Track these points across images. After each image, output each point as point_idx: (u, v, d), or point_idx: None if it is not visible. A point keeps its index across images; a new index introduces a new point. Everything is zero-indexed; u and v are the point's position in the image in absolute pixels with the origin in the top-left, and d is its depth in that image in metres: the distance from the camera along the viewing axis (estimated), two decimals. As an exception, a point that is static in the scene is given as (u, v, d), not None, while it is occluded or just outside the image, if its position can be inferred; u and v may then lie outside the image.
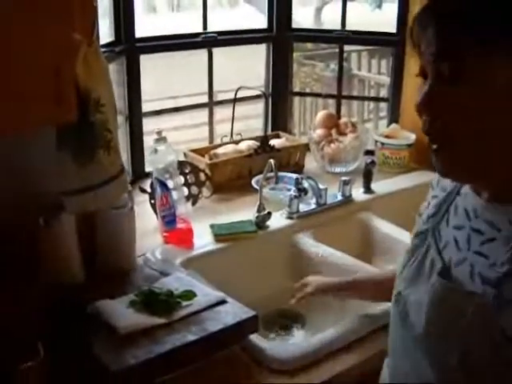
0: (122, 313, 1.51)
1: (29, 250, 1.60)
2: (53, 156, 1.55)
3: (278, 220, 2.14)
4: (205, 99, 2.76)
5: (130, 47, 2.41)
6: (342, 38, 2.85)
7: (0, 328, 1.27)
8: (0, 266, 1.50)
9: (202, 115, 2.97)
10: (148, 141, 2.41)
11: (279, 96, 2.90)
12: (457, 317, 0.98)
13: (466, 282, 1.00)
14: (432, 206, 1.16)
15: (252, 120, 2.99)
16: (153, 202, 2.10)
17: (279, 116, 2.90)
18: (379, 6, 11.58)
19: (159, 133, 2.01)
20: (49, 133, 1.55)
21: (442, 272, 1.04)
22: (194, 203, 2.25)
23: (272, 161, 2.01)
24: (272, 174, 2.11)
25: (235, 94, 2.66)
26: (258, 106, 3.08)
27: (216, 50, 2.68)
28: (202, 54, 2.69)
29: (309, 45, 6.10)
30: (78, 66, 1.41)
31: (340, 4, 2.81)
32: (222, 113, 2.89)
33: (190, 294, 1.57)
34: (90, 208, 1.58)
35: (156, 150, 1.99)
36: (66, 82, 1.32)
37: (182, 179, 2.18)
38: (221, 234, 2.00)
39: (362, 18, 3.89)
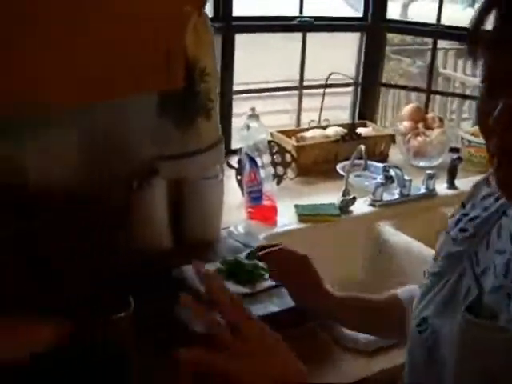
0: (208, 280, 1.55)
1: (121, 212, 1.65)
2: (152, 122, 1.60)
3: (360, 206, 2.15)
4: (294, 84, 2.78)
5: (227, 25, 2.44)
6: (437, 32, 2.82)
7: (96, 282, 1.32)
8: (94, 227, 1.55)
9: (288, 102, 2.99)
10: (234, 121, 2.45)
11: (369, 86, 2.89)
12: (489, 355, 0.86)
13: (499, 312, 0.87)
14: (470, 226, 1.02)
15: (337, 111, 2.98)
16: (239, 177, 2.13)
17: (367, 106, 2.90)
18: (471, 5, 11.35)
19: (253, 109, 2.04)
20: (150, 99, 1.60)
21: (472, 303, 0.91)
22: (278, 183, 2.27)
23: (362, 147, 2.02)
24: (360, 162, 2.12)
25: (326, 80, 2.67)
26: (344, 98, 3.08)
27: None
28: (295, 38, 2.70)
29: (396, 39, 6.03)
30: (188, 35, 1.44)
31: (426, 1, 2.77)
32: (308, 103, 2.89)
33: (273, 268, 1.59)
34: (184, 174, 1.62)
35: (248, 127, 2.02)
36: (176, 51, 1.36)
37: (269, 158, 2.20)
38: (305, 214, 2.02)
39: (453, 16, 3.80)
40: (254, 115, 2.04)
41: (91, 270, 1.47)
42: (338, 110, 3.03)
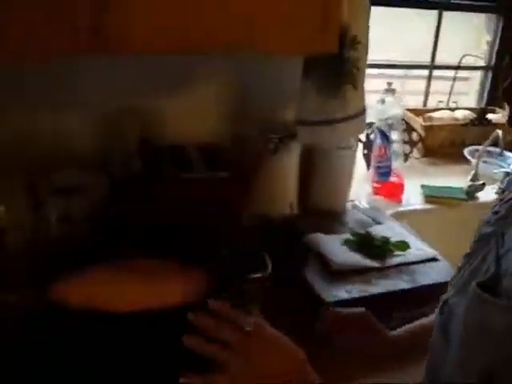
0: (337, 249, 1.54)
1: (253, 172, 1.66)
2: (295, 84, 1.58)
3: (487, 194, 2.09)
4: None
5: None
6: None
7: (236, 243, 1.32)
8: (227, 187, 1.56)
9: (413, 83, 2.91)
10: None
11: (502, 71, 2.78)
12: (486, 331, 0.84)
13: None
14: (503, 208, 0.99)
15: (463, 96, 2.89)
16: (365, 151, 2.10)
17: (498, 91, 2.79)
18: None
19: (389, 84, 2.00)
20: (296, 60, 1.58)
21: (488, 282, 0.87)
22: (404, 161, 2.23)
23: (500, 132, 1.95)
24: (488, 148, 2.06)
25: (459, 61, 2.60)
26: (469, 83, 2.98)
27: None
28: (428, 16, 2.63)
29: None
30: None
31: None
32: (433, 85, 2.81)
33: (403, 245, 1.57)
34: (323, 141, 1.60)
35: (383, 101, 1.99)
36: (333, 13, 1.34)
37: (399, 135, 2.16)
38: (431, 195, 1.98)
39: None
40: (390, 89, 2.00)
41: (225, 228, 1.48)
42: (463, 96, 2.93)
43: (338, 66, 1.50)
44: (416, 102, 2.65)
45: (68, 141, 1.61)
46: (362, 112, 1.54)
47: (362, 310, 1.30)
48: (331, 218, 1.76)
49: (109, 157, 1.62)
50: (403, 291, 1.44)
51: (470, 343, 0.88)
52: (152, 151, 1.61)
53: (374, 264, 1.50)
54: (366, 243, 1.55)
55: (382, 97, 2.00)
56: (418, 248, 1.58)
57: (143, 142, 1.61)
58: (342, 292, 1.40)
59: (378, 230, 1.64)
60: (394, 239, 1.58)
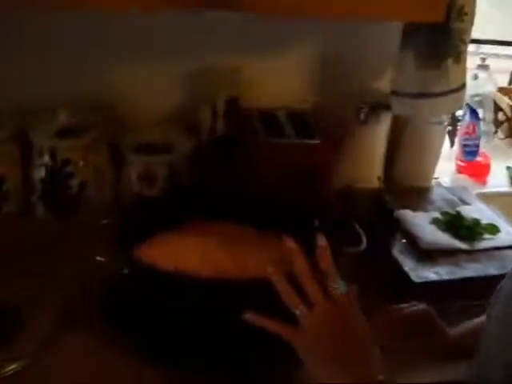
0: (425, 227, 1.49)
1: (342, 144, 1.61)
2: (392, 54, 1.52)
3: None
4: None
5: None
6: None
7: (325, 214, 1.28)
8: (316, 155, 1.51)
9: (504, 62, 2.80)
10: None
11: None
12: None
13: None
14: None
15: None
16: (450, 128, 2.02)
17: None
18: None
19: (483, 59, 1.91)
20: (394, 29, 1.52)
21: None
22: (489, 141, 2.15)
23: None
24: None
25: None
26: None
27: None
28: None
29: None
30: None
31: None
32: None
33: (494, 228, 1.51)
34: (417, 114, 1.55)
35: (476, 76, 1.91)
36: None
37: (488, 114, 2.08)
38: (517, 178, 1.90)
39: None
40: (483, 65, 1.92)
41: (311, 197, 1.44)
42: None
43: (442, 37, 1.44)
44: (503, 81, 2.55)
45: (154, 98, 1.59)
46: (462, 87, 1.48)
47: (424, 306, 1.21)
48: (416, 194, 1.70)
49: (194, 116, 1.59)
50: (493, 277, 1.39)
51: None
52: (239, 113, 1.58)
53: (464, 246, 1.45)
54: (456, 224, 1.49)
55: (475, 72, 1.91)
56: (509, 232, 1.52)
57: (230, 103, 1.58)
58: (430, 273, 1.35)
59: (465, 211, 1.57)
60: (483, 222, 1.52)
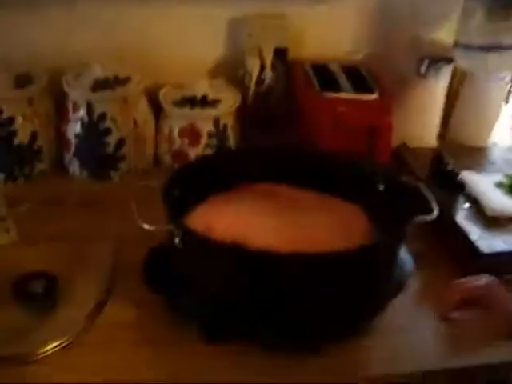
0: (490, 192, 1.37)
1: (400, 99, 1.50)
2: (457, 4, 1.40)
3: None
4: None
5: None
6: None
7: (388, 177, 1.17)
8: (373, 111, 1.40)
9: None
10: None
11: None
12: None
13: None
14: None
15: None
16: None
17: None
18: None
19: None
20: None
21: None
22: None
23: None
24: None
25: None
26: None
27: None
28: None
29: None
30: None
31: None
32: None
33: None
34: (483, 68, 1.42)
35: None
36: None
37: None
38: None
39: None
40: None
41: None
42: None
43: (516, -17, 1.31)
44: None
45: (196, 48, 1.49)
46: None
47: (493, 278, 1.11)
48: (474, 154, 1.58)
49: (241, 68, 1.49)
50: None
51: None
52: (289, 64, 1.47)
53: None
54: (521, 181, 1.38)
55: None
56: None
57: (279, 54, 1.47)
58: (500, 242, 1.24)
59: (529, 175, 1.46)
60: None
